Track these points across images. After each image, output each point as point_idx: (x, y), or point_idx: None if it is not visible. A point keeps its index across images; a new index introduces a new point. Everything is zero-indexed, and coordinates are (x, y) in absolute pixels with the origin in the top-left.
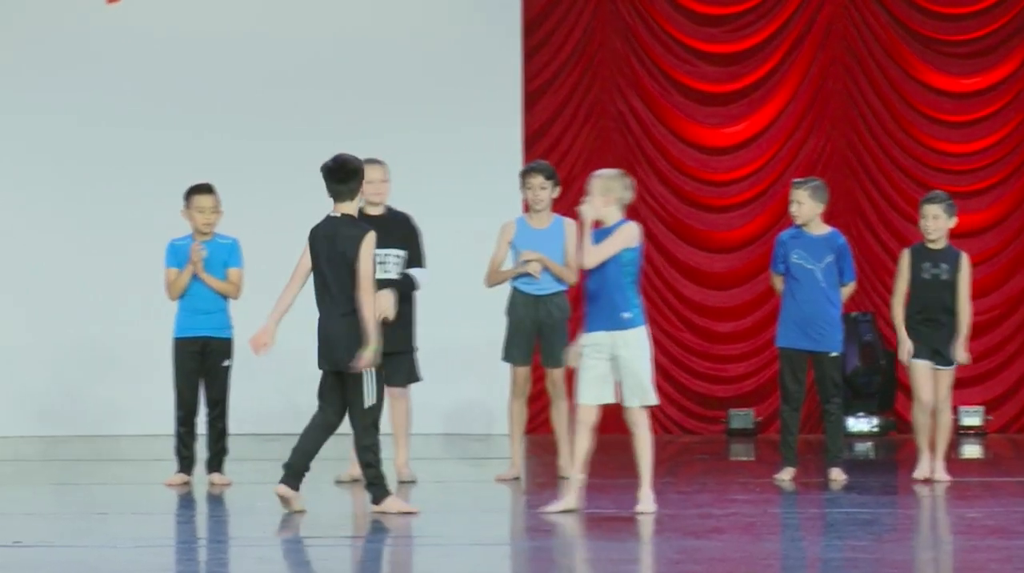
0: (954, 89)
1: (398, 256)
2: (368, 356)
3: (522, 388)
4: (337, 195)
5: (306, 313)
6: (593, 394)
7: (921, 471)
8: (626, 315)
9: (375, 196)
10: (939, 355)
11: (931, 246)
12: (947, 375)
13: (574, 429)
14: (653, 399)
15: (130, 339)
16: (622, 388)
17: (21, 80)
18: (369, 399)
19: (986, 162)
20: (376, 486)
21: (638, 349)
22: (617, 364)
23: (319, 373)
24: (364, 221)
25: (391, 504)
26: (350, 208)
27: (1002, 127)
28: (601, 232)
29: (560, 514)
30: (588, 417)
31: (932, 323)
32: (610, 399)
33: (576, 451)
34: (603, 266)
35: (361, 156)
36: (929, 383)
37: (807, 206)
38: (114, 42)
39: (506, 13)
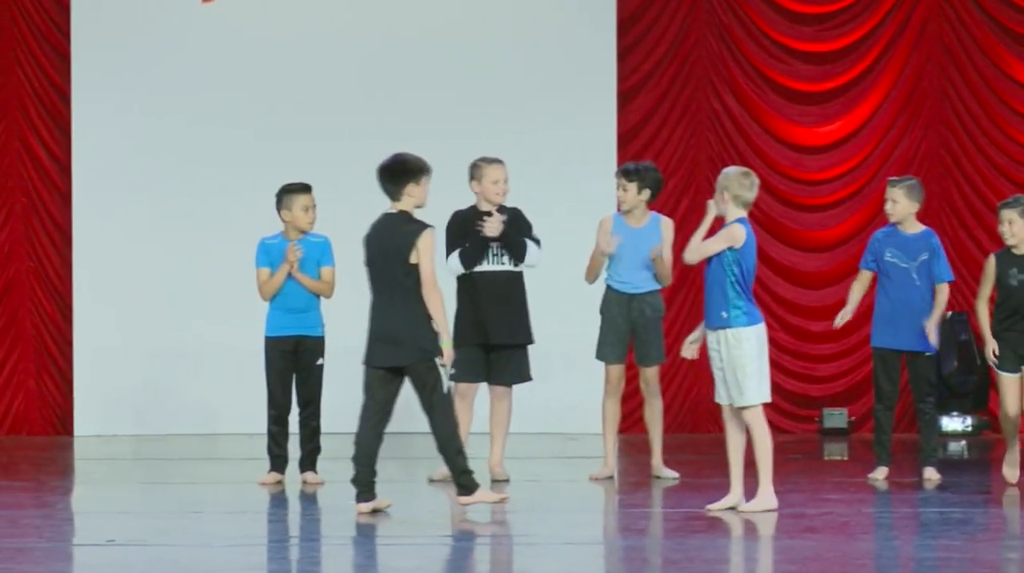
0: None
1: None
2: (448, 350)
3: (615, 387)
4: (389, 194)
5: None
6: (722, 395)
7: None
8: (723, 314)
9: (500, 196)
10: None
11: (1016, 251)
12: None
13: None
14: (748, 400)
15: (223, 338)
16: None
17: (112, 81)
18: (445, 384)
19: None
20: (469, 474)
21: (737, 349)
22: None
23: None
24: (481, 217)
25: (483, 494)
26: (406, 206)
27: None
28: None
29: (725, 511)
30: (727, 416)
31: (1020, 328)
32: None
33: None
34: (709, 264)
35: (475, 156)
36: (1012, 395)
37: (902, 204)
38: (205, 42)
39: (601, 12)
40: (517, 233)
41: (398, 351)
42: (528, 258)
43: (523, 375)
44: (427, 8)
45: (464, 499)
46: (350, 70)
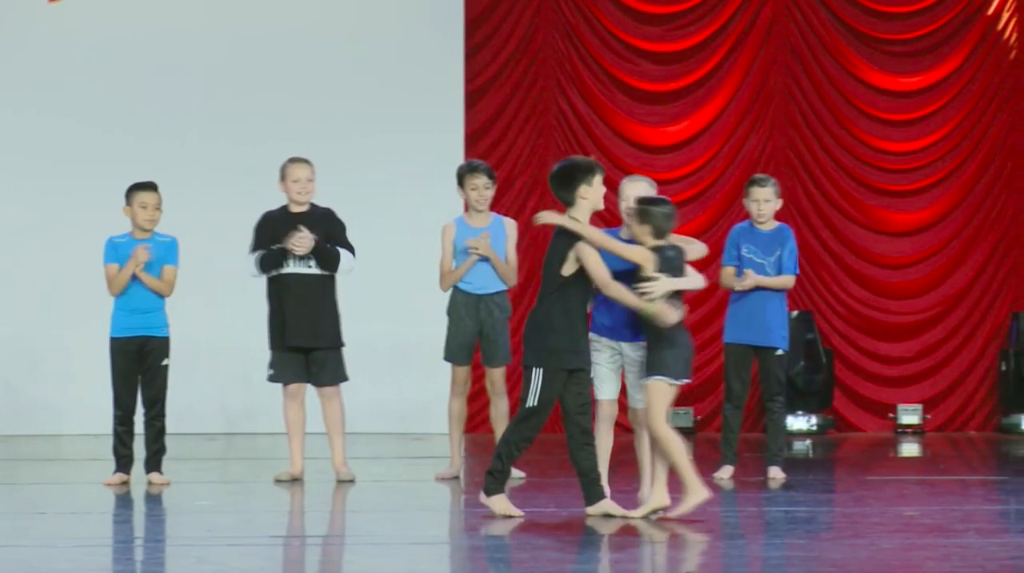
0: (895, 88)
1: None
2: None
3: (462, 387)
4: (562, 202)
5: (242, 313)
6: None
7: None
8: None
9: (301, 195)
10: None
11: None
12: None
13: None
14: None
15: (68, 338)
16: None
17: None
18: (531, 400)
19: (926, 161)
20: (491, 477)
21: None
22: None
23: (252, 372)
24: (290, 218)
25: (496, 502)
26: (575, 212)
27: (942, 126)
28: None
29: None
30: (641, 420)
31: None
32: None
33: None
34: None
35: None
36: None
37: (773, 203)
38: (54, 40)
39: (448, 12)
40: (328, 239)
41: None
42: (342, 266)
43: (339, 376)
44: (273, 9)
45: (483, 498)
46: (198, 70)
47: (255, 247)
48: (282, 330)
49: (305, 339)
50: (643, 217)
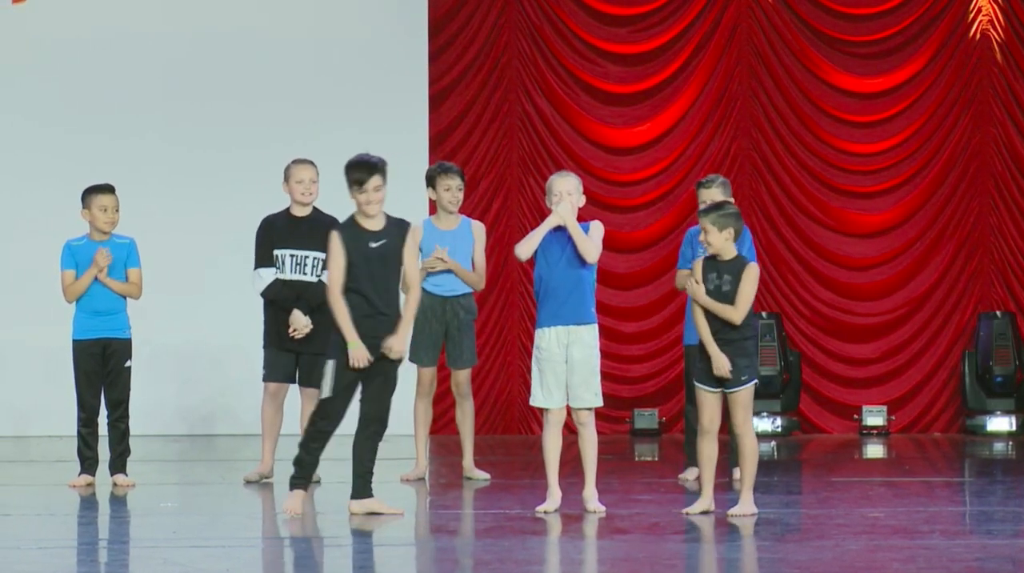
0: (859, 89)
1: (318, 259)
2: (354, 353)
3: (427, 389)
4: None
5: (203, 315)
6: (557, 397)
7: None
8: (593, 310)
9: (305, 196)
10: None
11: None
12: (736, 397)
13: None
14: (600, 400)
15: (31, 339)
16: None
17: None
18: (324, 392)
19: (890, 162)
20: (295, 477)
21: (594, 347)
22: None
23: (216, 373)
24: (294, 222)
25: (292, 499)
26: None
27: (906, 127)
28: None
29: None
30: (554, 420)
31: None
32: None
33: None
34: (573, 258)
35: (288, 159)
36: (710, 408)
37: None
38: (14, 41)
39: (412, 13)
40: (322, 246)
41: None
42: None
43: None
44: (236, 9)
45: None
46: (159, 71)
47: (259, 256)
48: (279, 330)
49: (309, 345)
50: (725, 222)
